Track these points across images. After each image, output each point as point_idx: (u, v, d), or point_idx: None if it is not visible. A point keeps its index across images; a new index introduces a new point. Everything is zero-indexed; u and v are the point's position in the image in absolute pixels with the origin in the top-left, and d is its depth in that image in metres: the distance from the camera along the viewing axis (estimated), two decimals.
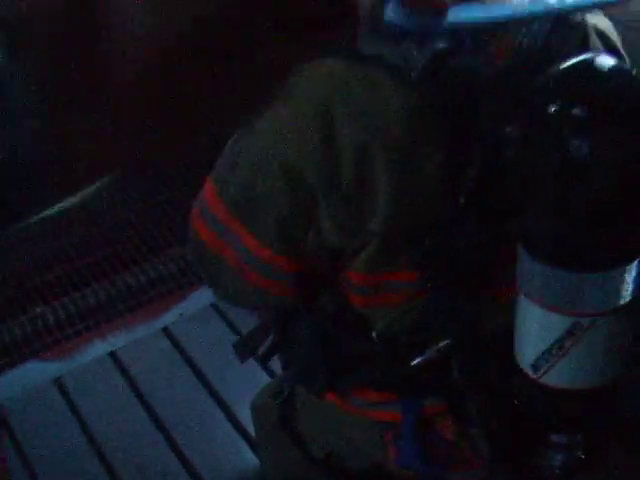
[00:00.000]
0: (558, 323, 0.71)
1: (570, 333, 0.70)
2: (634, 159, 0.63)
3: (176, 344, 1.88)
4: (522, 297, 0.73)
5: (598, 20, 0.82)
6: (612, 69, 0.66)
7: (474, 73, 0.72)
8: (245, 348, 1.02)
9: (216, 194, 0.81)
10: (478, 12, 0.69)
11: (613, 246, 0.68)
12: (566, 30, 0.77)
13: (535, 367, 0.75)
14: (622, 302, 0.70)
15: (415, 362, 0.82)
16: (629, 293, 0.70)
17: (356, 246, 0.77)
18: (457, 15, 0.67)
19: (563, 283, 0.69)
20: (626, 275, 0.68)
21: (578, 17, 0.79)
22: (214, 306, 1.93)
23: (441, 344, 0.81)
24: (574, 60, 0.67)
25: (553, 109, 0.64)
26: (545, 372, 0.74)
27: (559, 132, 0.63)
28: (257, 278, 0.83)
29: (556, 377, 0.74)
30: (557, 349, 0.72)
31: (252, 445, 1.63)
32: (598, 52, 0.74)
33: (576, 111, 0.63)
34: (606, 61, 0.67)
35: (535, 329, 0.74)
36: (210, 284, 0.92)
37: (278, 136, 0.75)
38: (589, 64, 0.66)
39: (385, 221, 0.74)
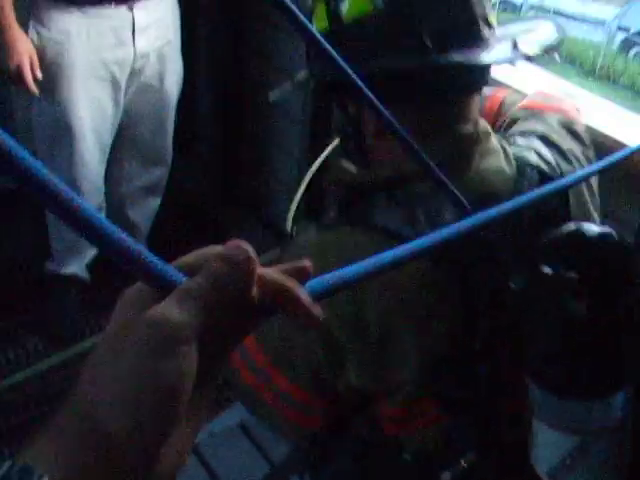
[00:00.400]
0: (567, 441, 0.83)
1: (578, 449, 0.82)
2: (619, 313, 0.77)
3: (203, 461, 1.86)
4: (534, 419, 0.85)
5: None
6: (599, 236, 0.78)
7: (477, 238, 0.82)
8: None
9: (256, 342, 0.88)
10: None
11: (609, 378, 0.81)
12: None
13: (551, 476, 0.86)
14: (620, 417, 0.83)
15: (444, 477, 0.91)
16: (622, 412, 0.83)
17: (383, 390, 0.87)
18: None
19: (569, 409, 0.81)
20: (618, 399, 0.82)
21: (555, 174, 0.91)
22: (242, 427, 1.94)
23: (467, 457, 0.90)
24: (567, 228, 0.79)
25: (552, 273, 0.76)
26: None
27: (557, 293, 0.76)
28: (295, 415, 0.92)
29: None
30: (569, 461, 0.83)
31: None
32: (586, 221, 0.86)
33: (571, 275, 0.76)
34: (593, 229, 0.80)
35: (547, 445, 0.85)
36: (250, 413, 1.00)
37: None
38: (580, 233, 0.79)
39: (411, 372, 0.84)
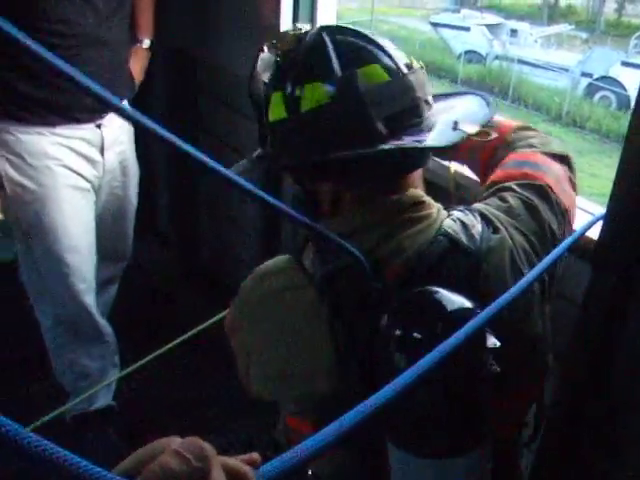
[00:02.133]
0: None
1: None
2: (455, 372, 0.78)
3: None
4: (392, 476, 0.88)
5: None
6: (434, 305, 0.81)
7: (362, 287, 0.89)
8: None
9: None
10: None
11: (462, 436, 0.83)
12: (459, 256, 0.91)
13: None
14: (479, 475, 0.87)
15: None
16: (480, 469, 0.86)
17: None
18: None
19: (425, 468, 0.83)
20: (474, 457, 0.84)
21: (470, 247, 0.92)
22: None
23: None
24: (413, 294, 0.84)
25: (393, 329, 0.82)
26: None
27: (387, 346, 0.81)
28: None
29: None
30: None
31: None
32: (433, 289, 0.84)
33: (397, 331, 0.81)
34: (437, 296, 0.82)
35: None
36: None
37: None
38: (422, 298, 0.83)
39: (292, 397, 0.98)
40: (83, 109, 1.90)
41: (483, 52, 15.34)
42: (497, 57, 14.99)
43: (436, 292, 0.82)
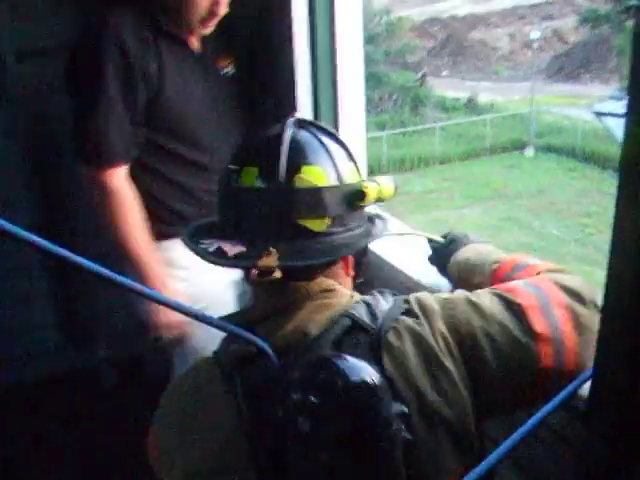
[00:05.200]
0: None
1: None
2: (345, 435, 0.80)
3: None
4: None
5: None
6: (336, 372, 0.81)
7: (268, 371, 0.91)
8: None
9: None
10: None
11: None
12: (360, 334, 0.93)
13: None
14: None
15: None
16: None
17: None
18: None
19: None
20: None
21: (371, 325, 0.94)
22: None
23: None
24: (312, 362, 0.84)
25: (293, 393, 0.82)
26: None
27: (288, 412, 0.83)
28: None
29: None
30: None
31: None
32: (330, 353, 0.89)
33: (296, 397, 0.82)
34: (328, 361, 0.83)
35: None
36: None
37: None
38: (318, 365, 0.83)
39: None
40: None
41: None
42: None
43: (332, 356, 0.85)
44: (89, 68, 1.70)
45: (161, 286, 1.79)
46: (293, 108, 1.99)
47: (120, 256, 1.78)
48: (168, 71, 1.78)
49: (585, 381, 0.96)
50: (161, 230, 1.84)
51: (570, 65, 26.14)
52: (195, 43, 1.87)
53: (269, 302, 1.00)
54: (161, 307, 1.70)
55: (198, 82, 1.88)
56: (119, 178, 1.75)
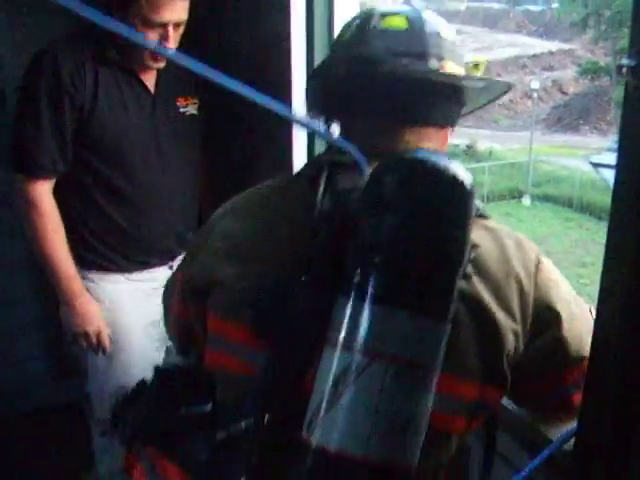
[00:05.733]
0: (336, 362, 0.74)
1: (343, 374, 0.72)
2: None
3: None
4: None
5: None
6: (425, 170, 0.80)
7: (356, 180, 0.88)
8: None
9: None
10: None
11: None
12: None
13: (308, 424, 0.74)
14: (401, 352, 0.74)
15: (219, 436, 0.84)
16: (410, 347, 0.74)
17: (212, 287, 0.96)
18: None
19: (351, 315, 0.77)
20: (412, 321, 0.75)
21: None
22: None
23: (244, 422, 0.83)
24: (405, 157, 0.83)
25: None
26: (314, 428, 0.72)
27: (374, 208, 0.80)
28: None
29: (322, 435, 0.72)
30: (329, 397, 0.73)
31: None
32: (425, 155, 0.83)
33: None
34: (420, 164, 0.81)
35: (318, 377, 0.76)
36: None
37: None
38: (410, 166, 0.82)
39: (230, 271, 0.94)
40: (158, 254, 2.08)
41: None
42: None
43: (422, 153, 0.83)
44: (28, 82, 1.86)
45: (77, 299, 1.91)
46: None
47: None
48: (104, 99, 1.89)
49: (570, 437, 0.96)
50: (79, 253, 1.96)
51: (569, 116, 26.31)
52: (150, 77, 1.99)
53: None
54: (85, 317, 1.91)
55: (144, 115, 1.98)
56: (41, 191, 1.86)
